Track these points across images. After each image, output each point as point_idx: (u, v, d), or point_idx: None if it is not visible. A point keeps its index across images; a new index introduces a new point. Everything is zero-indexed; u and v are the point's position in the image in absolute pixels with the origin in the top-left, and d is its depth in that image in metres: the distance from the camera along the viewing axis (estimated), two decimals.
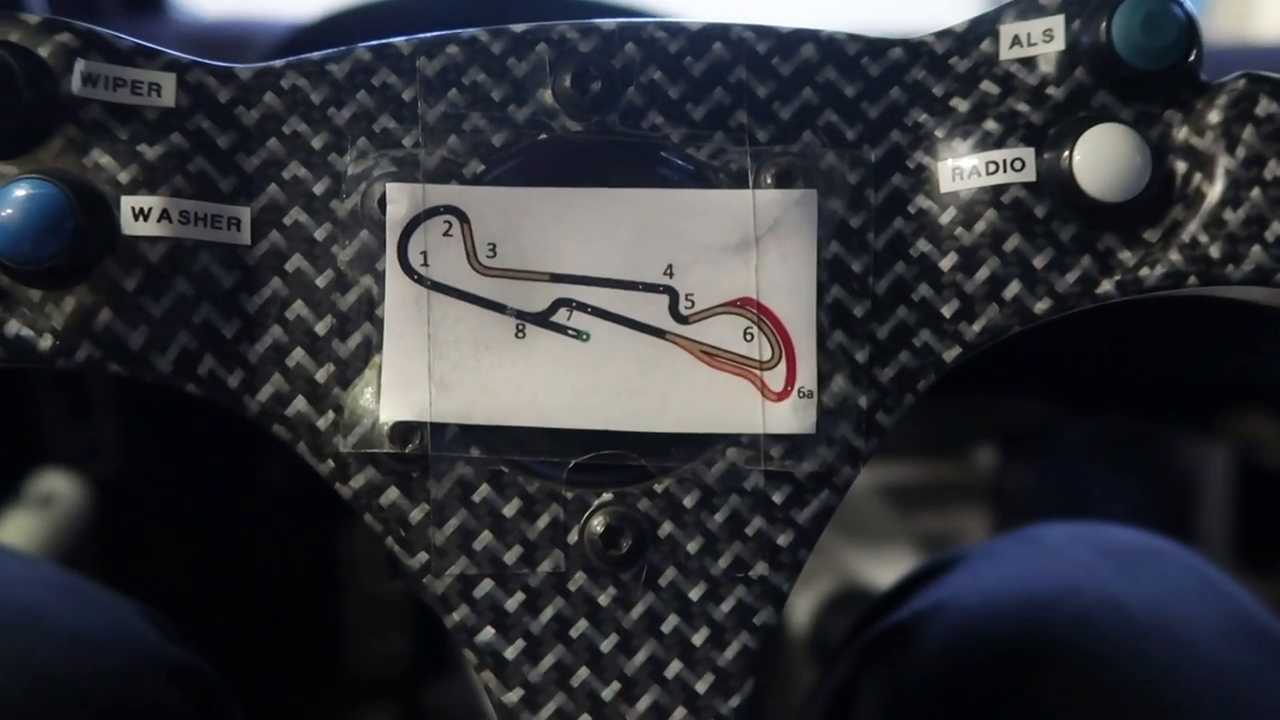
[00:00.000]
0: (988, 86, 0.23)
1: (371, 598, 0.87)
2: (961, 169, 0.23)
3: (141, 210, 0.21)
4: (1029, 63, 0.23)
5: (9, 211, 0.20)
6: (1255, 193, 0.22)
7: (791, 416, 0.22)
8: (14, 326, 0.21)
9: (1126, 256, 0.23)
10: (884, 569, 0.93)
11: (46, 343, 0.21)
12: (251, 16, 0.91)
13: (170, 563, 0.83)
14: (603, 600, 0.22)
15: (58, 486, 0.76)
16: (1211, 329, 0.75)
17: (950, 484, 1.02)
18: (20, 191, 0.20)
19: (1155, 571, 0.33)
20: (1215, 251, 0.22)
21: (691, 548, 0.22)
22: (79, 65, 0.21)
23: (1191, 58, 0.22)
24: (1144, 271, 0.22)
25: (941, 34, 0.23)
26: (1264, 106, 0.22)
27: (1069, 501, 1.00)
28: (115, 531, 0.78)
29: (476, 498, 0.22)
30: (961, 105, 0.23)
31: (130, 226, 0.21)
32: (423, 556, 0.22)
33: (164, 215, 0.21)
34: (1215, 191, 0.22)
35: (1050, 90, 0.23)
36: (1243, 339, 0.77)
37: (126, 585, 0.36)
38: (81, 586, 0.34)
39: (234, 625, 0.82)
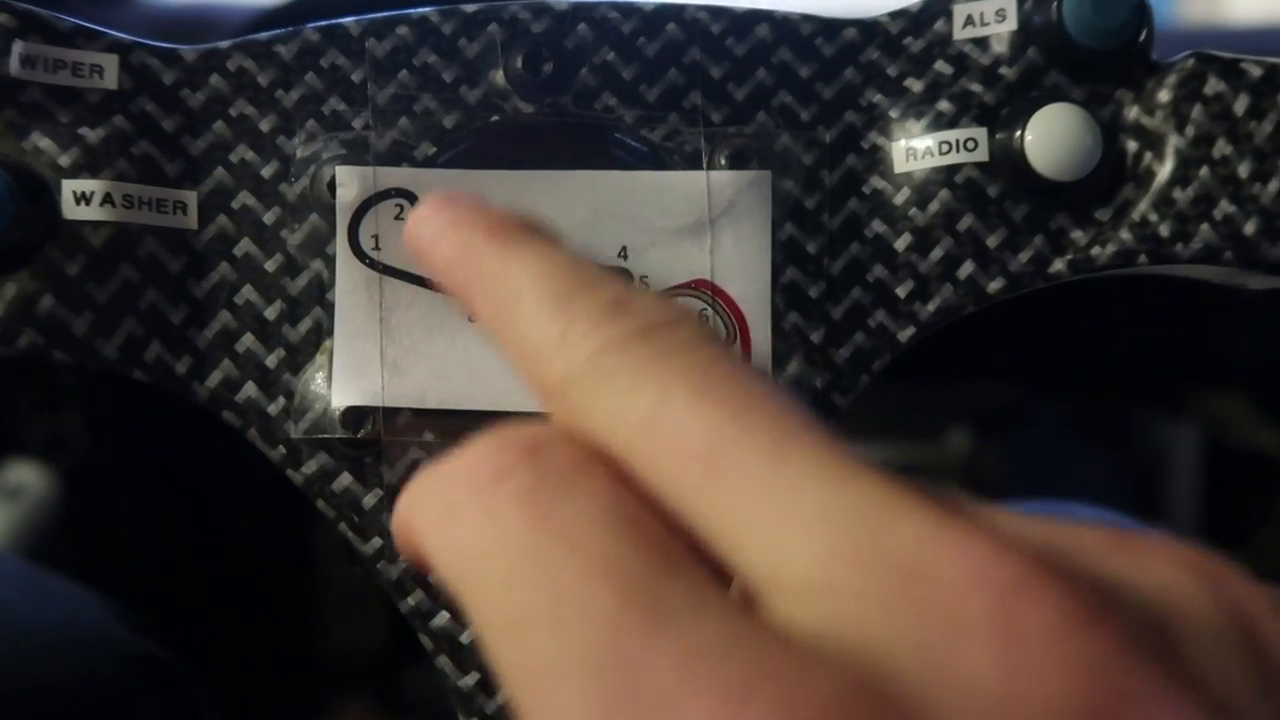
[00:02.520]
0: (941, 66, 0.23)
1: (346, 585, 0.87)
2: (915, 149, 0.23)
3: (83, 194, 0.21)
4: (982, 42, 0.23)
5: None
6: (1204, 171, 0.22)
7: None
8: None
9: (1078, 236, 0.23)
10: None
11: None
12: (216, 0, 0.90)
13: (140, 553, 0.83)
14: None
15: (25, 477, 0.75)
16: (1180, 309, 0.75)
17: (923, 466, 1.03)
18: None
19: None
20: (1165, 230, 0.22)
21: None
22: (17, 47, 0.21)
23: (1142, 37, 0.22)
24: (1095, 250, 0.23)
25: (896, 14, 0.23)
26: (1212, 85, 0.22)
27: (1041, 482, 1.01)
28: (84, 522, 0.78)
29: None
30: (915, 85, 0.23)
31: (72, 211, 0.21)
32: (376, 542, 0.22)
33: (107, 199, 0.21)
34: (1165, 170, 0.22)
35: (1003, 70, 0.23)
36: (1211, 319, 0.78)
37: (96, 576, 0.36)
38: (41, 579, 0.34)
39: (206, 615, 0.82)
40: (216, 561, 0.85)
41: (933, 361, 0.23)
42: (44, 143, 0.21)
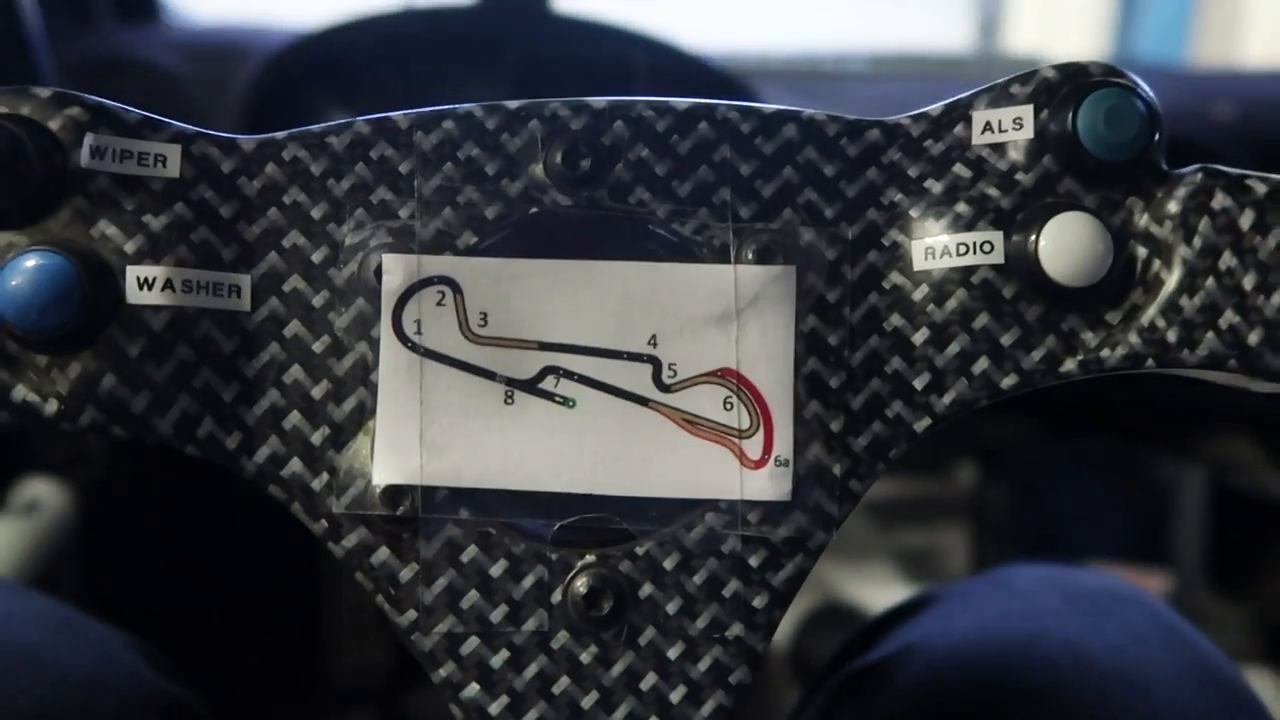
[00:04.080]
0: (960, 170, 0.24)
1: (352, 606, 0.88)
2: (934, 248, 0.24)
3: (146, 280, 0.22)
4: (999, 148, 0.24)
5: (18, 281, 0.21)
6: (1210, 282, 0.23)
7: (768, 484, 0.23)
8: (20, 391, 0.22)
9: (1089, 337, 0.24)
10: (865, 585, 0.94)
11: (52, 407, 0.22)
12: (246, 23, 0.91)
13: (152, 570, 0.84)
14: (584, 658, 0.23)
15: (42, 494, 0.76)
16: None
17: (931, 501, 1.04)
18: (30, 262, 0.21)
19: (1119, 619, 0.34)
20: (1172, 336, 0.23)
21: (671, 608, 0.23)
22: (88, 139, 0.22)
23: (1152, 149, 0.23)
24: (1105, 352, 0.24)
25: (917, 117, 0.24)
26: (1219, 200, 0.23)
27: (1047, 520, 1.01)
28: (99, 538, 0.79)
29: (465, 558, 0.23)
30: (935, 187, 0.24)
31: (135, 295, 0.22)
32: (411, 614, 0.23)
33: (168, 284, 0.22)
34: (1173, 279, 0.23)
35: (1019, 176, 0.24)
36: None
37: (107, 591, 0.37)
38: (73, 620, 0.35)
39: (215, 633, 0.83)
40: (225, 580, 0.86)
41: None
42: (110, 230, 0.22)
